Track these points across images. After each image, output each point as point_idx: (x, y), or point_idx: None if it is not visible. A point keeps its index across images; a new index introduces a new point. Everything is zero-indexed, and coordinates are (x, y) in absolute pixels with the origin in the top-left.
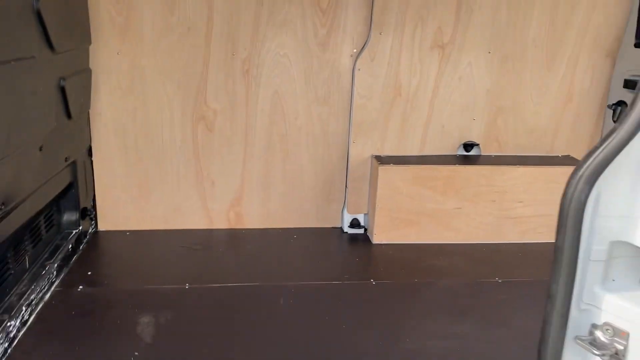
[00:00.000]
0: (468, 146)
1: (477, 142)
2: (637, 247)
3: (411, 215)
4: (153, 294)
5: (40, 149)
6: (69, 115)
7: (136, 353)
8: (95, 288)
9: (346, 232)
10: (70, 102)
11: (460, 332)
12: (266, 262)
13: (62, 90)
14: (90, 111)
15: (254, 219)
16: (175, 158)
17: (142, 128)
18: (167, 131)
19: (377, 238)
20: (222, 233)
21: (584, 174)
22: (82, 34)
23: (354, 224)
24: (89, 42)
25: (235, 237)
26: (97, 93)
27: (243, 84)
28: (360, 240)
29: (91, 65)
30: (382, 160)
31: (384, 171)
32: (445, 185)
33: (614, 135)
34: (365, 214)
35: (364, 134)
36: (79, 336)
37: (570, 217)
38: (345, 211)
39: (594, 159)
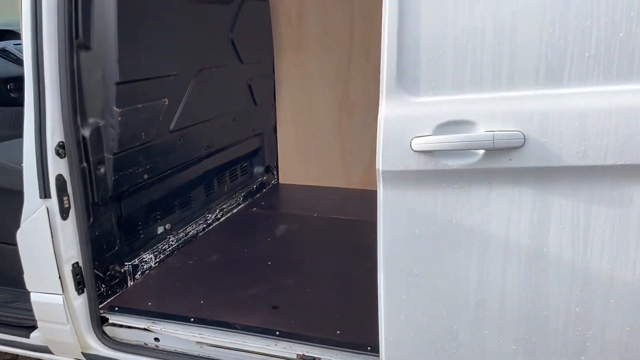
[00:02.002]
0: None
1: None
2: None
3: None
4: (295, 217)
5: (233, 120)
6: (255, 103)
7: (268, 239)
8: (263, 211)
9: None
10: (255, 95)
11: None
12: None
13: (250, 87)
14: (276, 102)
15: None
16: (328, 135)
17: (308, 115)
18: (324, 117)
19: None
20: (356, 191)
21: None
22: (266, 51)
23: None
24: (272, 57)
25: (363, 193)
26: (280, 90)
27: (374, 83)
28: None
29: (276, 72)
30: None
31: None
32: None
33: None
34: None
35: None
36: (242, 233)
37: None
38: None
39: None
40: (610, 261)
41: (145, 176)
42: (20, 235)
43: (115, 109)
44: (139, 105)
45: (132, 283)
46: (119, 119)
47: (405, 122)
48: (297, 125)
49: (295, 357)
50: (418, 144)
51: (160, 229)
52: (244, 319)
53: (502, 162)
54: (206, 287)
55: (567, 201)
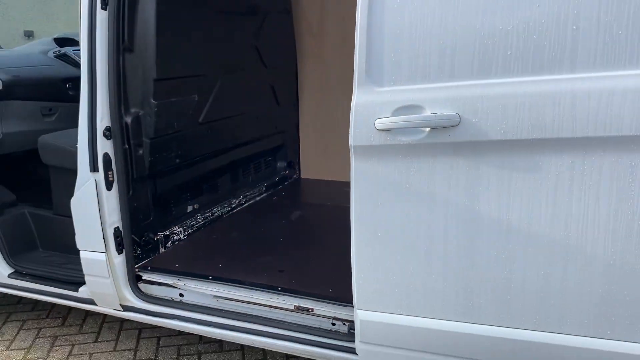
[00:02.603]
0: None
1: None
2: None
3: None
4: (310, 205)
5: (257, 118)
6: (277, 103)
7: (284, 221)
8: (282, 199)
9: None
10: (278, 96)
11: None
12: None
13: (273, 89)
14: (299, 103)
15: None
16: (347, 134)
17: (328, 115)
18: (342, 117)
19: None
20: None
21: None
22: (289, 57)
23: None
24: (295, 62)
25: None
26: (302, 93)
27: None
28: None
29: (299, 76)
30: None
31: None
32: None
33: None
34: None
35: None
36: (262, 216)
37: None
38: None
39: None
40: (526, 215)
41: (177, 160)
42: (74, 202)
43: (153, 101)
44: (173, 99)
45: (163, 250)
46: (155, 109)
47: (371, 107)
48: (317, 125)
49: (292, 307)
50: (380, 124)
51: (189, 208)
52: (253, 278)
53: (443, 138)
54: (225, 255)
55: (494, 169)
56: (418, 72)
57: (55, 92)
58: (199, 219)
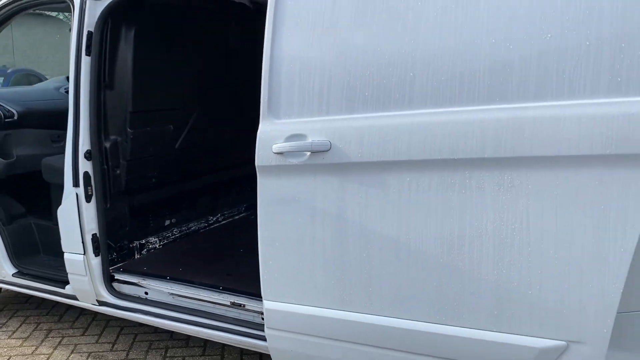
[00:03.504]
0: None
1: None
2: None
3: None
4: None
5: (236, 145)
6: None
7: (251, 235)
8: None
9: None
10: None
11: None
12: None
13: (252, 118)
14: None
15: None
16: None
17: None
18: None
19: None
20: None
21: None
22: None
23: None
24: None
25: None
26: None
27: None
28: None
29: None
30: None
31: None
32: None
33: None
34: None
35: None
36: (235, 232)
37: None
38: None
39: None
40: (379, 222)
41: (154, 180)
42: (60, 211)
43: (129, 129)
44: (148, 128)
45: (138, 256)
46: (131, 137)
47: (270, 135)
48: None
49: (229, 303)
50: (275, 148)
51: (167, 222)
52: (202, 279)
53: (319, 160)
54: (187, 261)
55: (355, 185)
56: (304, 109)
57: (63, 121)
58: (175, 231)
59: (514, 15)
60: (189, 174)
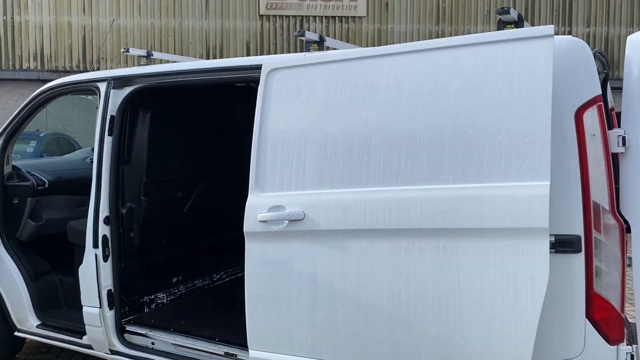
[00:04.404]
0: None
1: None
2: None
3: None
4: None
5: (241, 210)
6: None
7: None
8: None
9: None
10: None
11: None
12: None
13: None
14: None
15: None
16: None
17: None
18: None
19: None
20: None
21: None
22: None
23: None
24: None
25: None
26: None
27: None
28: None
29: None
30: None
31: None
32: None
33: None
34: None
35: None
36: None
37: None
38: None
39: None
40: (341, 280)
41: (163, 241)
42: (81, 269)
43: (143, 197)
44: (159, 196)
45: (147, 310)
46: (144, 204)
47: (257, 206)
48: None
49: (222, 353)
50: (259, 217)
51: (174, 279)
52: (202, 331)
53: (295, 227)
54: (191, 315)
55: (325, 248)
56: (284, 184)
57: (88, 188)
58: (182, 288)
59: (445, 116)
60: (195, 235)
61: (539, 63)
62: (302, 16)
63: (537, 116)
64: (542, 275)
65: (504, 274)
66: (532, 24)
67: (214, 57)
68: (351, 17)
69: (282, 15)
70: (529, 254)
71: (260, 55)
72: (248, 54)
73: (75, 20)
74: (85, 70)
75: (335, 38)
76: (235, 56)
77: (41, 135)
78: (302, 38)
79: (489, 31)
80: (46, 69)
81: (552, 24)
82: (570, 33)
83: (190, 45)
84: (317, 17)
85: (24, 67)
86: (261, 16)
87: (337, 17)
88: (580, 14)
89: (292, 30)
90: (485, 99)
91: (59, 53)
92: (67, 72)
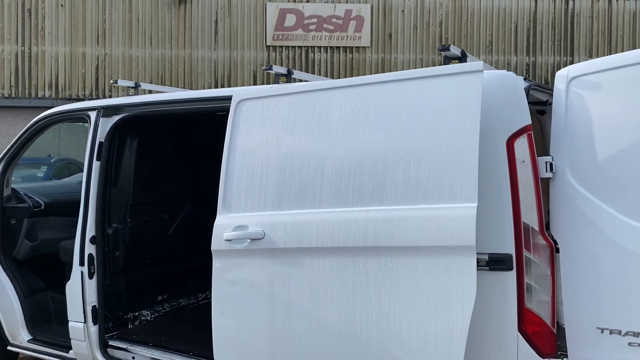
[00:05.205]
0: None
1: None
2: None
3: None
4: None
5: None
6: None
7: None
8: None
9: None
10: None
11: None
12: None
13: None
14: None
15: None
16: None
17: None
18: None
19: None
20: None
21: None
22: None
23: None
24: None
25: None
26: None
27: None
28: None
29: None
30: None
31: None
32: None
33: None
34: None
35: None
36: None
37: None
38: None
39: None
40: (295, 293)
41: (148, 261)
42: (68, 286)
43: (128, 219)
44: (145, 218)
45: (131, 326)
46: (129, 225)
47: (223, 225)
48: None
49: None
50: (225, 236)
51: (159, 297)
52: (178, 346)
53: (256, 245)
54: (172, 331)
55: (281, 265)
56: (247, 207)
57: None
58: (166, 306)
59: (387, 144)
60: (181, 256)
61: (469, 95)
62: (308, 47)
63: (466, 144)
64: (470, 289)
65: (437, 289)
66: (535, 54)
67: (222, 87)
68: (355, 47)
69: (289, 46)
70: (459, 270)
71: (266, 84)
72: (255, 84)
73: (89, 51)
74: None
75: (340, 67)
76: (243, 85)
77: (52, 160)
78: (271, 72)
79: (492, 62)
80: (60, 97)
81: (554, 54)
82: (572, 63)
83: (199, 75)
84: (322, 48)
85: (39, 95)
86: (268, 47)
87: (341, 48)
88: (582, 44)
89: (298, 60)
90: (422, 128)
91: (73, 82)
92: (80, 100)
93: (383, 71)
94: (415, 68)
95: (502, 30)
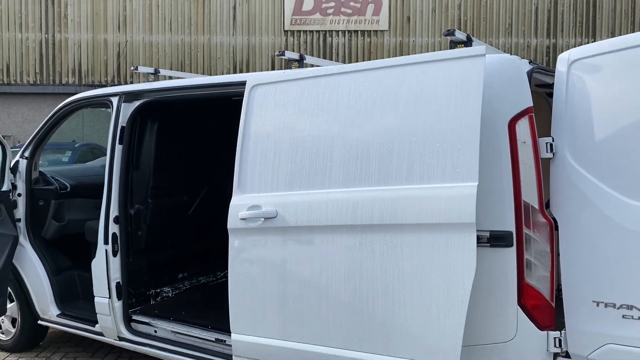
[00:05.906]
0: None
1: None
2: None
3: None
4: None
5: None
6: None
7: None
8: None
9: None
10: None
11: None
12: None
13: None
14: None
15: None
16: None
17: None
18: None
19: None
20: None
21: None
22: None
23: None
24: None
25: None
26: None
27: None
28: None
29: None
30: None
31: None
32: None
33: None
34: None
35: None
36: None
37: None
38: None
39: None
40: (308, 268)
41: (169, 240)
42: (93, 263)
43: (149, 200)
44: (165, 199)
45: (153, 302)
46: (151, 206)
47: (239, 205)
48: None
49: (214, 339)
50: (240, 215)
51: (180, 275)
52: (197, 320)
53: (269, 224)
54: (192, 307)
55: (293, 242)
56: (261, 187)
57: None
58: (187, 284)
59: (393, 126)
60: (200, 235)
61: (472, 79)
62: (326, 31)
63: (467, 126)
64: (470, 264)
65: (439, 264)
66: (556, 36)
67: (241, 72)
68: (373, 30)
69: (306, 30)
70: (459, 246)
71: (284, 70)
72: (273, 69)
73: (110, 38)
74: (120, 84)
75: (357, 52)
76: (262, 70)
77: (76, 145)
78: (283, 57)
79: (511, 44)
80: (83, 83)
81: (576, 35)
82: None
83: (218, 60)
84: (340, 32)
85: (63, 82)
86: (286, 32)
87: (359, 32)
88: (604, 24)
89: (316, 45)
90: (427, 110)
91: (95, 68)
92: (102, 86)
93: (401, 55)
94: (434, 51)
95: (522, 12)
